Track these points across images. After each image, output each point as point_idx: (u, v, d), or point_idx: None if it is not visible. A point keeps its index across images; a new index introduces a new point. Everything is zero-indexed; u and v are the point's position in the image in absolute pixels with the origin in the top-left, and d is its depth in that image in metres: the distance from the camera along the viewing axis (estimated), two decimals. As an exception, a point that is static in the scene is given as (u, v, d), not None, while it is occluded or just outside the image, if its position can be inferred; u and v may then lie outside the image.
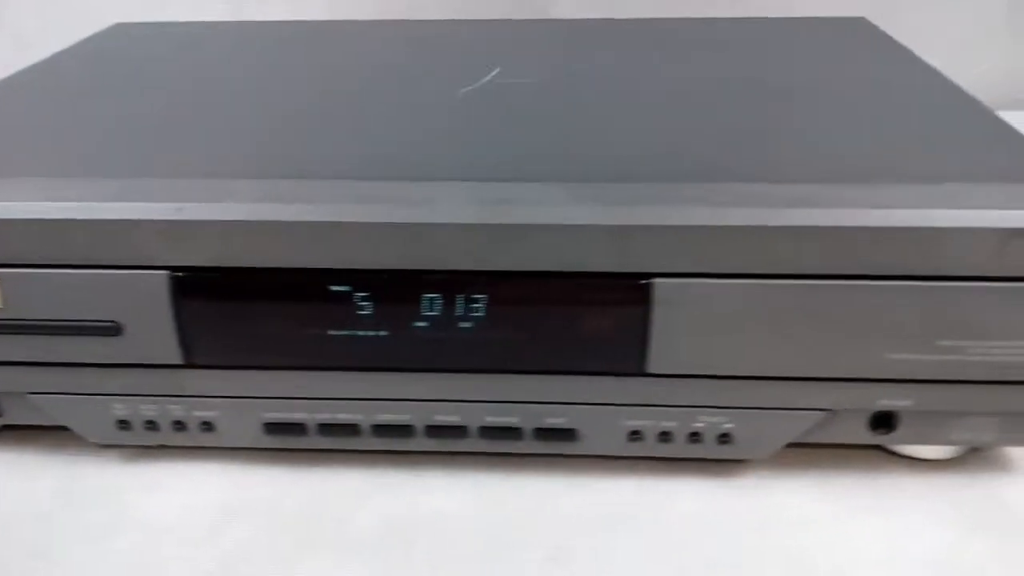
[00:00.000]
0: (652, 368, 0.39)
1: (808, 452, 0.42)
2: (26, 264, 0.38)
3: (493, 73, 0.52)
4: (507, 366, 0.40)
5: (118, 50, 0.61)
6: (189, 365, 0.40)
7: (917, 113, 0.46)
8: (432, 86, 0.52)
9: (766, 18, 0.67)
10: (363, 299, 0.38)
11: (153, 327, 0.39)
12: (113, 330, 0.39)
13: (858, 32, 0.62)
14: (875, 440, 0.41)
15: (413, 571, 0.37)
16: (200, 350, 0.40)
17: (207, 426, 0.42)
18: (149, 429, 0.42)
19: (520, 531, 0.39)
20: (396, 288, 0.38)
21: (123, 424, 0.42)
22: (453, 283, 0.38)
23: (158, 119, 0.47)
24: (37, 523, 0.40)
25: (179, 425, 0.42)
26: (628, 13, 0.68)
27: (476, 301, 0.38)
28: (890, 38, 0.59)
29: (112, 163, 0.41)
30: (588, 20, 0.68)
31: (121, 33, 0.65)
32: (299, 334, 0.39)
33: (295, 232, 0.37)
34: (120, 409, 0.41)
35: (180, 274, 0.38)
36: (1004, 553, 0.37)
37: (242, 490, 0.41)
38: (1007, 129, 0.43)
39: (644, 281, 0.37)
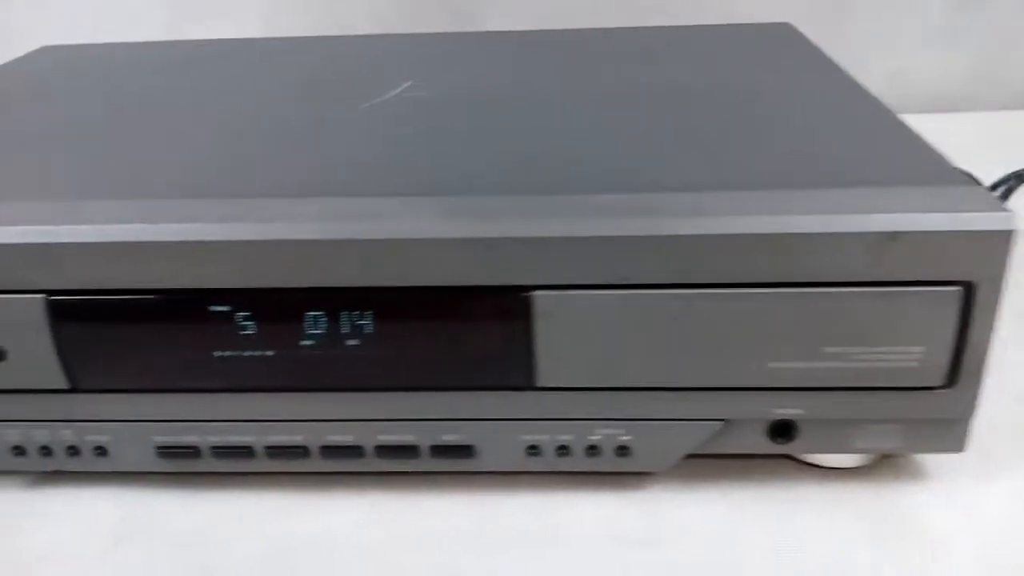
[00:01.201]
0: (542, 382, 0.38)
1: (717, 464, 0.41)
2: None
3: (403, 87, 0.52)
4: (399, 383, 0.39)
5: (43, 71, 0.61)
6: (75, 389, 0.39)
7: (821, 118, 0.46)
8: (339, 101, 0.51)
9: (692, 25, 0.66)
10: (245, 319, 0.38)
11: (34, 352, 0.38)
12: (-4, 356, 0.38)
13: (781, 37, 0.61)
14: (777, 449, 0.40)
15: (298, 594, 0.37)
16: (84, 374, 0.39)
17: (100, 451, 0.41)
18: (44, 455, 0.41)
19: (410, 553, 0.38)
20: (279, 306, 0.38)
21: (17, 450, 0.41)
22: (335, 300, 0.37)
23: (57, 141, 0.47)
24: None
25: (73, 450, 0.41)
26: (561, 24, 0.68)
27: (361, 318, 0.38)
28: (810, 43, 0.59)
29: None
30: (517, 32, 0.68)
31: (47, 55, 0.65)
32: (182, 357, 0.39)
33: (169, 252, 0.36)
34: (13, 435, 0.41)
35: (56, 298, 0.37)
36: (894, 562, 0.37)
37: (134, 515, 0.41)
38: (905, 133, 0.42)
39: (524, 294, 0.36)
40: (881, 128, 0.44)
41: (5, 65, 0.62)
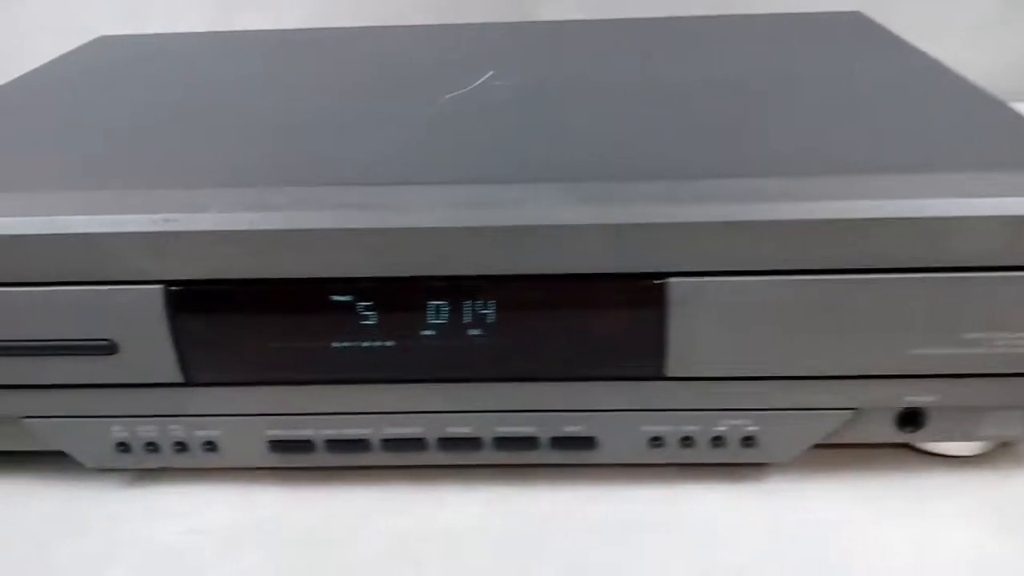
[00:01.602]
0: (671, 371, 0.37)
1: (836, 453, 0.41)
2: (11, 283, 0.36)
3: (485, 76, 0.51)
4: (521, 374, 0.38)
5: (103, 62, 0.60)
6: (189, 383, 0.38)
7: (924, 104, 0.45)
8: (421, 92, 0.50)
9: (760, 14, 0.65)
10: (366, 309, 0.37)
11: (149, 344, 0.37)
12: (108, 349, 0.37)
13: (856, 25, 0.61)
14: (903, 438, 0.39)
15: (428, 591, 0.36)
16: (199, 367, 0.38)
17: (210, 446, 0.40)
18: (150, 451, 0.40)
19: (534, 545, 0.37)
20: (400, 296, 0.37)
21: (122, 447, 0.40)
22: (459, 289, 0.36)
23: (145, 130, 0.46)
24: (29, 552, 0.38)
25: (180, 446, 0.40)
26: (621, 14, 0.67)
27: (485, 307, 0.37)
28: (888, 31, 0.58)
29: (99, 175, 0.40)
30: (578, 21, 0.67)
31: (106, 45, 0.63)
32: (301, 347, 0.38)
33: (293, 241, 0.35)
34: (118, 431, 0.40)
35: (175, 288, 0.36)
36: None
37: (247, 512, 0.40)
38: (1017, 117, 0.42)
39: (658, 281, 0.36)
40: (991, 112, 0.43)
41: (67, 56, 0.60)
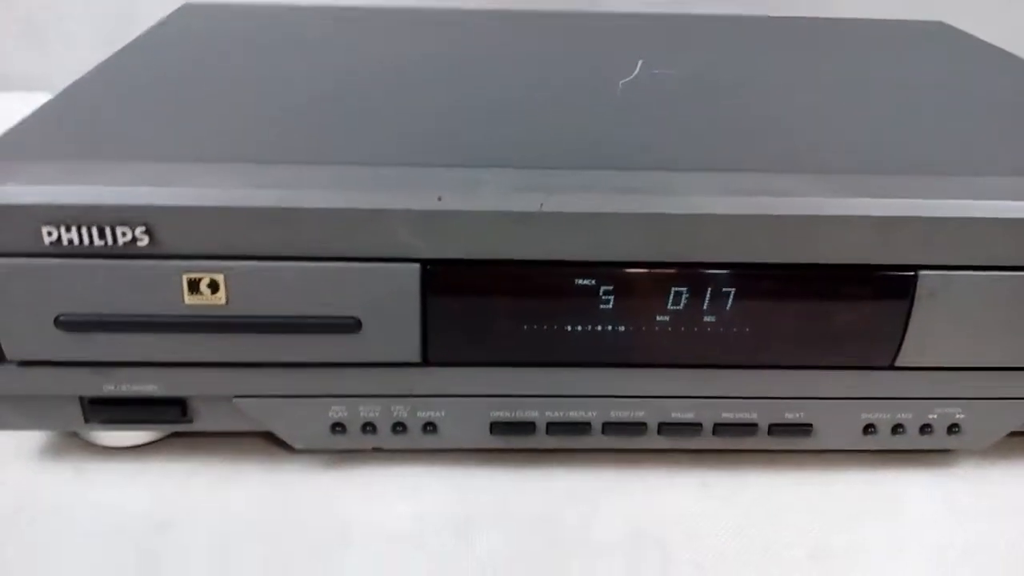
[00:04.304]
0: (901, 361, 0.38)
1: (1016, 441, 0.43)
2: (256, 257, 0.35)
3: (639, 65, 0.51)
4: (748, 361, 0.39)
5: (222, 31, 0.57)
6: (424, 363, 0.38)
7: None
8: (587, 77, 0.50)
9: (838, 18, 0.67)
10: (607, 293, 0.37)
11: (396, 323, 0.36)
12: (352, 327, 0.36)
13: (943, 34, 0.64)
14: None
15: (684, 572, 0.36)
16: (439, 347, 0.37)
17: (430, 427, 0.39)
18: (367, 432, 0.39)
19: (768, 529, 0.38)
20: (642, 282, 0.37)
21: (338, 427, 0.39)
22: (705, 276, 0.37)
23: (358, 103, 0.44)
24: (253, 542, 0.37)
25: (400, 427, 0.39)
26: (691, 8, 0.69)
27: (725, 295, 0.37)
28: (980, 39, 0.61)
29: (342, 149, 0.38)
30: (649, 15, 0.68)
31: (190, 14, 0.61)
32: (539, 329, 0.37)
33: (547, 223, 0.35)
34: (338, 411, 0.39)
35: (432, 267, 0.35)
36: None
37: (469, 495, 0.39)
38: None
39: (910, 274, 0.37)
40: None
41: (162, 26, 0.57)
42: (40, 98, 0.41)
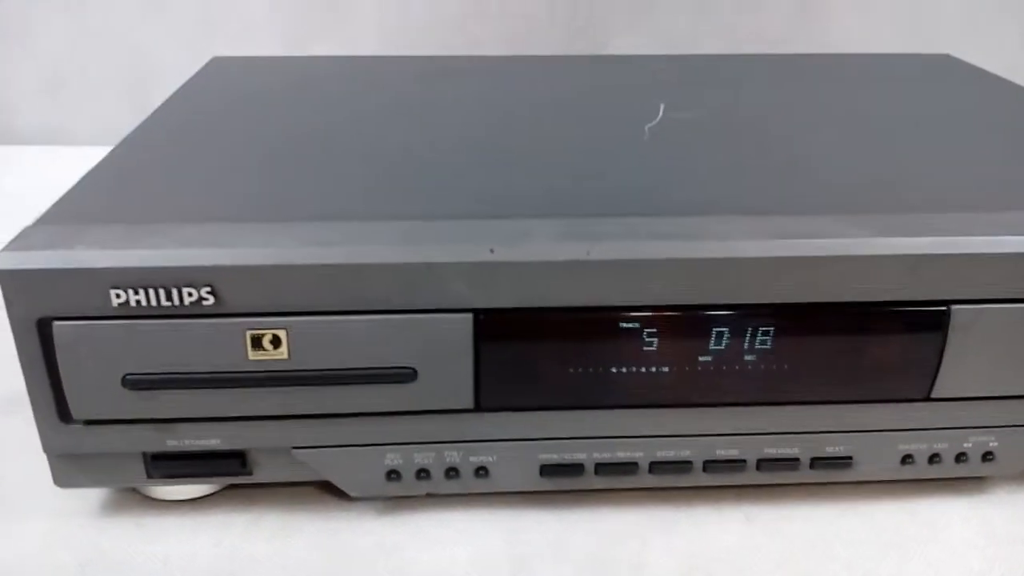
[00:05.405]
0: (936, 393, 0.40)
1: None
2: (316, 312, 0.36)
3: (662, 108, 0.53)
4: (791, 398, 0.40)
5: (258, 86, 0.59)
6: (477, 409, 0.39)
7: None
8: (612, 123, 0.52)
9: (846, 54, 0.70)
10: (651, 335, 0.38)
11: (450, 371, 0.38)
12: (409, 377, 0.37)
13: (951, 67, 0.66)
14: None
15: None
16: (491, 393, 0.39)
17: (482, 472, 0.40)
18: (421, 478, 0.40)
19: (812, 560, 0.39)
20: (684, 323, 0.38)
21: (393, 475, 0.40)
22: (745, 317, 0.38)
23: (397, 158, 0.46)
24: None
25: (452, 472, 0.40)
26: (689, 50, 0.71)
27: (766, 335, 0.39)
28: (987, 72, 0.63)
29: (392, 204, 0.40)
30: (651, 56, 0.70)
31: (220, 68, 0.63)
32: (586, 372, 0.39)
33: (594, 270, 0.37)
34: (393, 459, 0.40)
35: (484, 316, 0.37)
36: None
37: (519, 537, 0.40)
38: None
39: (942, 308, 0.38)
40: None
41: (197, 80, 0.59)
42: (58, 152, 0.43)
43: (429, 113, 0.53)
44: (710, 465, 0.41)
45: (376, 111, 0.54)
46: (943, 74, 0.65)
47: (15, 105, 0.90)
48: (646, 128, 0.50)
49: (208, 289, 0.35)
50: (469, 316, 0.37)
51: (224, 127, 0.51)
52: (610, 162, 0.45)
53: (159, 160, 0.45)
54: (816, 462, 0.41)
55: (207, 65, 0.64)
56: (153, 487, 0.41)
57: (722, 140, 0.49)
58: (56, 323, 0.35)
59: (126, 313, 0.35)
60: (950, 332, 0.38)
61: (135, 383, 0.36)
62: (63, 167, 0.40)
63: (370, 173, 0.43)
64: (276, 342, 0.36)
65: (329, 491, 0.42)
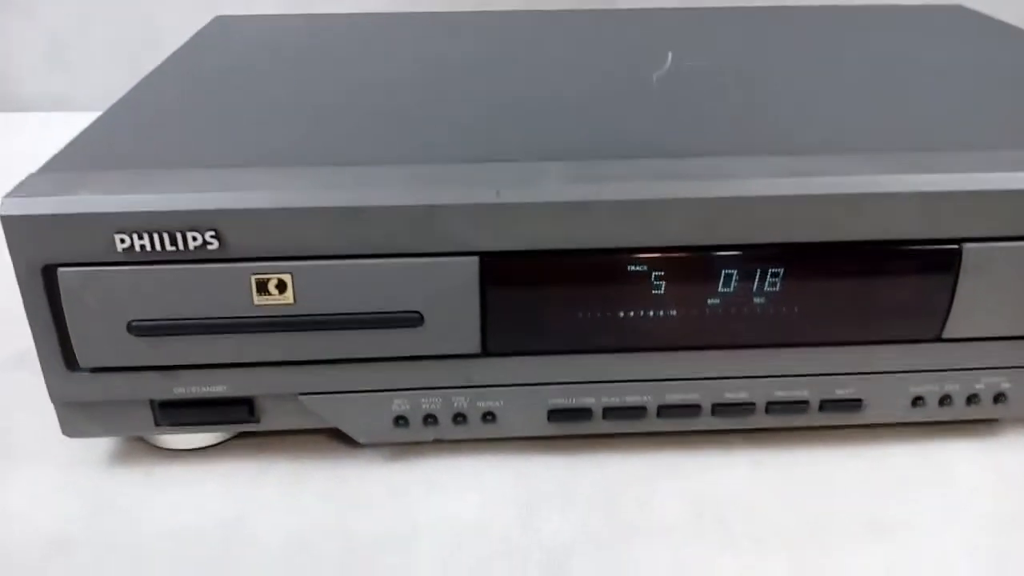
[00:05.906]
0: (948, 333, 0.39)
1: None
2: (321, 256, 0.36)
3: (670, 58, 0.53)
4: (799, 340, 0.40)
5: (262, 39, 0.59)
6: (484, 354, 0.39)
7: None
8: (622, 72, 0.51)
9: (855, 6, 0.68)
10: (659, 277, 0.38)
11: (456, 315, 0.37)
12: (415, 321, 0.37)
13: (966, 16, 0.65)
14: None
15: (747, 549, 0.37)
16: (498, 337, 0.38)
17: (490, 417, 0.40)
18: (428, 424, 0.40)
19: (822, 503, 0.39)
20: (693, 265, 0.38)
21: (401, 420, 0.40)
22: (755, 258, 0.38)
23: (405, 104, 0.45)
24: (326, 535, 0.38)
25: (460, 418, 0.40)
26: (706, 2, 0.70)
27: (776, 275, 0.38)
28: (1001, 21, 0.62)
29: (399, 149, 0.39)
30: (666, 9, 0.69)
31: (223, 27, 0.62)
32: (594, 316, 0.38)
33: (602, 212, 0.36)
34: (400, 405, 0.40)
35: (489, 259, 0.37)
36: None
37: (528, 481, 0.40)
38: None
39: (954, 247, 0.38)
40: None
41: (199, 38, 0.59)
42: (63, 117, 0.42)
43: (437, 67, 0.52)
44: (719, 408, 0.41)
45: (381, 64, 0.53)
46: (956, 23, 0.64)
47: (20, 73, 0.90)
48: (654, 76, 0.49)
49: (212, 233, 0.35)
50: (475, 259, 0.36)
51: (228, 78, 0.50)
52: (618, 108, 0.45)
53: (162, 110, 0.45)
54: (826, 405, 0.41)
55: (210, 23, 0.63)
56: (162, 436, 0.42)
57: (732, 87, 0.49)
58: (61, 269, 0.35)
59: (131, 259, 0.35)
60: (962, 271, 0.38)
61: (140, 329, 0.36)
62: (70, 132, 0.40)
63: (376, 121, 0.43)
64: (281, 287, 0.36)
65: (337, 438, 0.42)
